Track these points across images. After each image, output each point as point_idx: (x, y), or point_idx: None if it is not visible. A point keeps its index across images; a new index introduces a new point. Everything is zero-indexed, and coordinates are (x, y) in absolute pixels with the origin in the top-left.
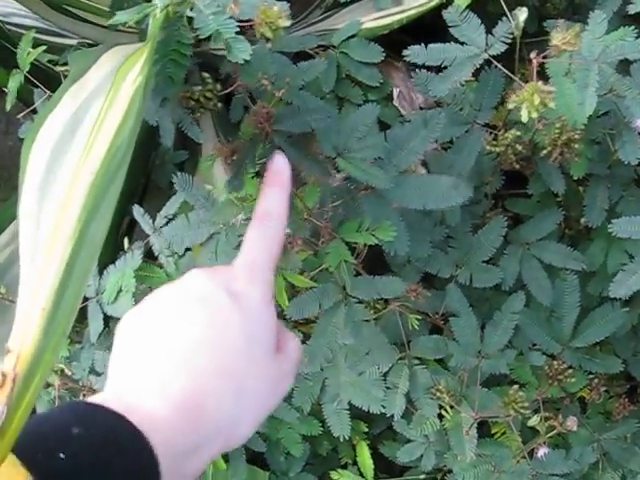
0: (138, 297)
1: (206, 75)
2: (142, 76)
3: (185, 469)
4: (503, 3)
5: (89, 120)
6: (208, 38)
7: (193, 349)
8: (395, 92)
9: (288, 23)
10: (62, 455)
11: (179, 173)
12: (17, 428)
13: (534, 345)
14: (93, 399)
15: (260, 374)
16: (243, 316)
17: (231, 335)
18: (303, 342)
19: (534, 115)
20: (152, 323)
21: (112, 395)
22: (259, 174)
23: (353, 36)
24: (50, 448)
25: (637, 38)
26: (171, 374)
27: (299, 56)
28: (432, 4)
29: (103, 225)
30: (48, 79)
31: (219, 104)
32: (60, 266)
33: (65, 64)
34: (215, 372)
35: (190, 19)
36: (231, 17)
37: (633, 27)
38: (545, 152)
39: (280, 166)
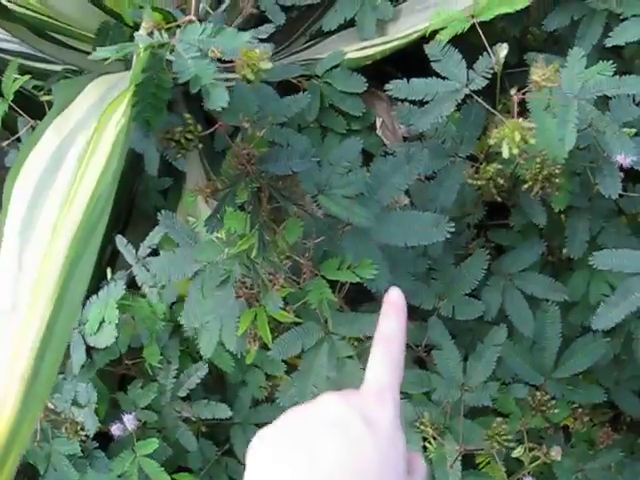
0: (120, 328)
1: (187, 116)
2: (125, 118)
3: None
4: (484, 37)
5: (72, 158)
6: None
7: (331, 474)
8: (378, 122)
9: (270, 65)
10: None
11: (163, 211)
12: None
13: (516, 375)
14: None
15: None
16: (377, 442)
17: (366, 461)
18: (287, 373)
19: (515, 151)
20: (287, 446)
21: None
22: (242, 209)
23: (336, 66)
24: None
25: (615, 74)
26: None
27: (281, 85)
28: (414, 37)
29: (83, 281)
30: (32, 106)
31: (200, 145)
32: (41, 327)
33: (49, 92)
34: None
35: (170, 62)
36: (211, 61)
37: (611, 62)
38: (526, 186)
39: (396, 297)
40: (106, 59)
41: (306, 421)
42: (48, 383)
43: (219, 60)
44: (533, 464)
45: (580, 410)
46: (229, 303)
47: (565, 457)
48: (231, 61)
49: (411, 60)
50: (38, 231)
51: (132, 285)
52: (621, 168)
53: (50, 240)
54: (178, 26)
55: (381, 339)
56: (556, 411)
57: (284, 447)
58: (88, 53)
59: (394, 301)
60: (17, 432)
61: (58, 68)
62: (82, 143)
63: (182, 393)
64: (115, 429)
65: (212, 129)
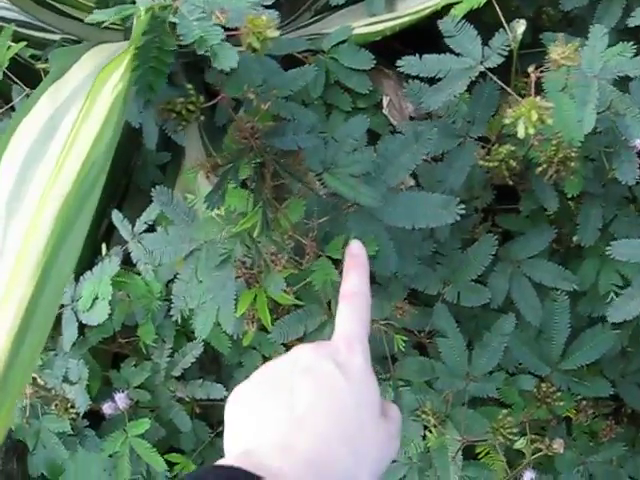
0: (115, 305)
1: (189, 86)
2: (123, 83)
3: None
4: (500, 13)
5: (65, 128)
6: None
7: (309, 414)
8: (385, 100)
9: (277, 34)
10: None
11: (158, 187)
12: None
13: (520, 364)
14: (224, 462)
15: (370, 437)
16: (350, 383)
17: (341, 401)
18: None
19: (531, 131)
20: (265, 392)
21: (237, 460)
22: (244, 186)
23: (343, 42)
24: None
25: (636, 54)
26: (293, 436)
27: (286, 60)
28: (426, 12)
29: (71, 258)
30: (28, 75)
31: (202, 117)
32: (19, 310)
33: (47, 61)
34: (331, 435)
35: (173, 25)
36: (217, 24)
37: (632, 43)
38: (540, 169)
39: (357, 250)
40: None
41: (279, 371)
42: (28, 368)
43: (223, 28)
44: (534, 456)
45: (584, 403)
46: (228, 284)
47: (567, 450)
48: (235, 29)
49: (419, 38)
50: (26, 203)
51: (127, 262)
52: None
53: (36, 212)
54: None
55: (345, 295)
56: (561, 403)
57: (259, 398)
58: (87, 23)
59: (355, 254)
60: None
61: (56, 37)
62: (76, 112)
63: (176, 372)
64: (107, 407)
65: (214, 101)
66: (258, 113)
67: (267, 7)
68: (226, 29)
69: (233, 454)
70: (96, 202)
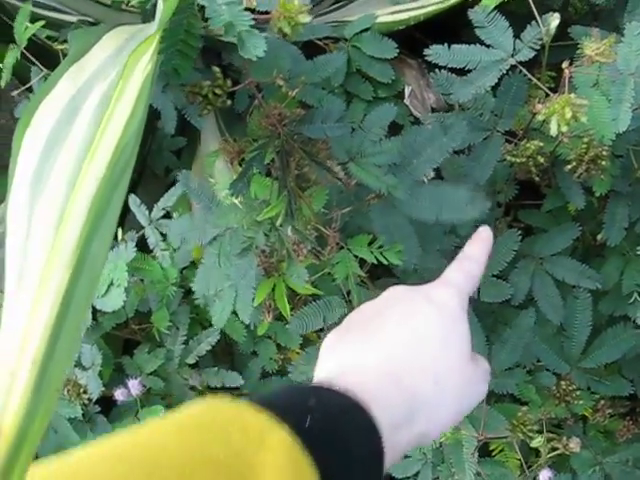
0: (129, 291)
1: (216, 69)
2: (151, 64)
3: (395, 443)
4: (533, 5)
5: (88, 108)
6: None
7: (394, 340)
8: (407, 90)
9: (308, 19)
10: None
11: (183, 170)
12: None
13: (538, 362)
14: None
15: (456, 371)
16: (440, 316)
17: (429, 330)
18: (302, 348)
19: (564, 129)
20: (356, 324)
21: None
22: (269, 175)
23: (366, 30)
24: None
25: None
26: (377, 357)
27: (306, 47)
28: (452, 2)
29: (105, 245)
30: (46, 56)
31: (228, 102)
32: (55, 302)
33: (65, 42)
34: (415, 359)
35: (201, 8)
36: (247, 9)
37: None
38: (570, 167)
39: (486, 233)
40: (125, 10)
41: (372, 305)
42: (64, 364)
43: (251, 11)
44: (550, 455)
45: (602, 402)
46: (249, 272)
47: (583, 449)
48: (265, 13)
49: (443, 29)
50: (51, 187)
51: (141, 247)
52: None
53: (67, 197)
54: None
55: (462, 257)
56: (580, 402)
57: (351, 329)
58: (106, 5)
59: (483, 236)
60: (28, 427)
61: (73, 19)
62: (99, 94)
63: (191, 360)
64: (119, 394)
65: (239, 86)
66: (285, 99)
67: None
68: (253, 11)
69: (323, 376)
70: (127, 185)
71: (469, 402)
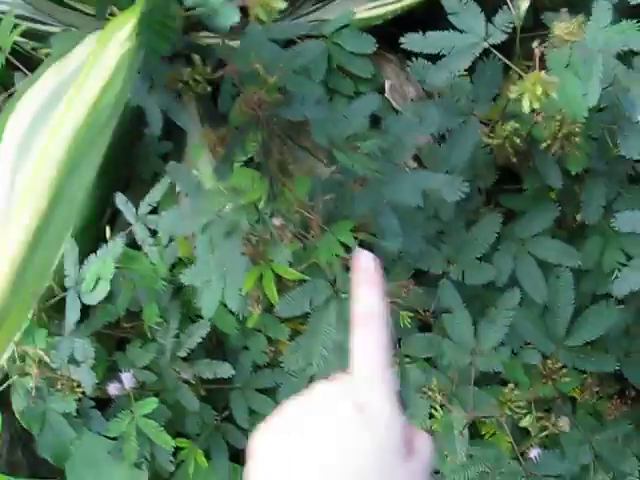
0: (120, 290)
1: (196, 57)
2: (131, 42)
3: None
4: None
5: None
6: (194, 9)
7: (327, 470)
8: (387, 84)
9: (284, 5)
10: None
11: (171, 162)
12: None
13: (527, 344)
14: None
15: None
16: (372, 430)
17: (363, 451)
18: (291, 339)
19: (536, 105)
20: (278, 442)
21: None
22: (251, 162)
23: (345, 26)
24: None
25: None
26: None
27: (288, 47)
28: None
29: (83, 182)
30: (31, 65)
31: (208, 88)
32: (33, 220)
33: (48, 48)
34: None
35: None
36: None
37: (635, 20)
38: (544, 145)
39: (365, 262)
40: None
41: (299, 417)
42: (44, 270)
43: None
44: (540, 434)
45: (589, 380)
46: (235, 256)
47: (573, 428)
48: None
49: (421, 23)
50: (35, 148)
51: (131, 246)
52: None
53: (47, 144)
54: None
55: (358, 318)
56: (567, 380)
57: (273, 448)
58: (90, 15)
59: (365, 267)
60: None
61: (57, 29)
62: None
63: (182, 353)
64: (112, 388)
65: (220, 72)
66: (265, 86)
67: None
68: None
69: None
70: (106, 143)
71: None
